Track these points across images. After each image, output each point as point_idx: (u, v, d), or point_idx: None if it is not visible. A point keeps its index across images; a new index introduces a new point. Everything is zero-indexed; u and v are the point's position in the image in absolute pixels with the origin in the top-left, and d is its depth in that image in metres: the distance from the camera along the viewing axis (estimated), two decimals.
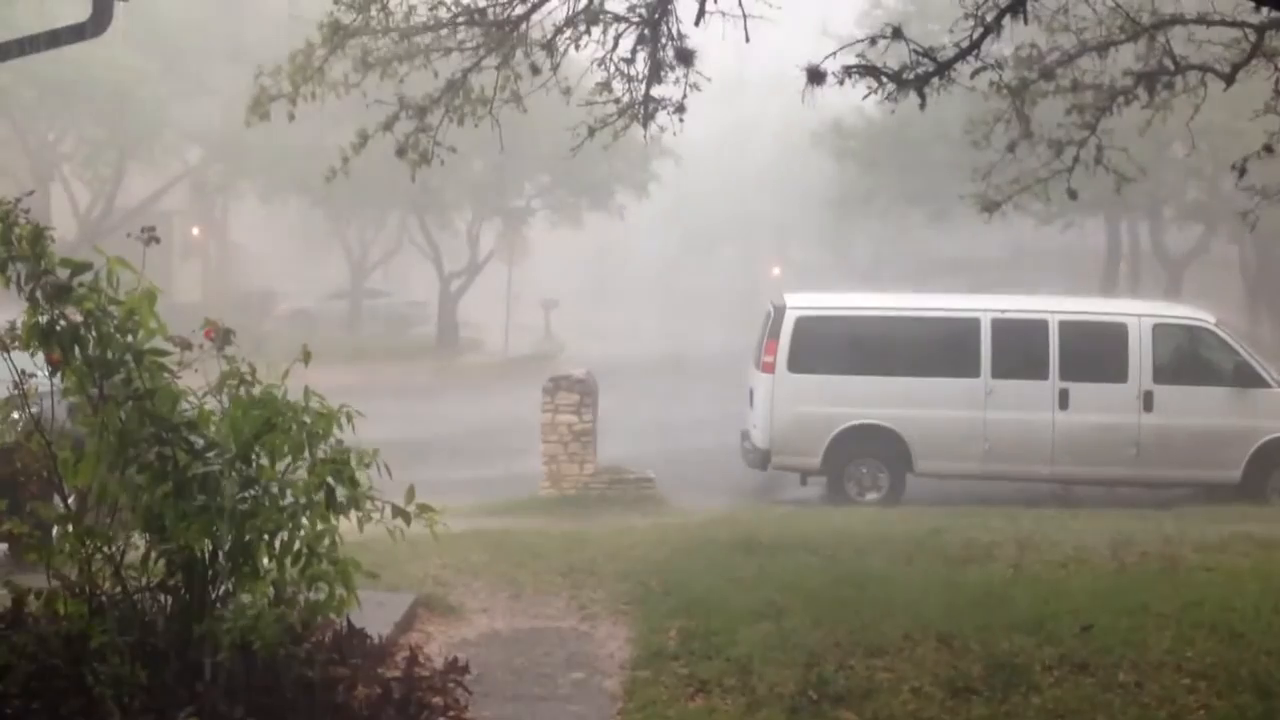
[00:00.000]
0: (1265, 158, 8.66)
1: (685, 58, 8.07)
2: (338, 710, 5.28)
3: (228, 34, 26.51)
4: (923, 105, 7.71)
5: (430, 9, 8.41)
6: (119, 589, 5.40)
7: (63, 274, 5.51)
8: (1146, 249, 31.32)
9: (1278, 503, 12.99)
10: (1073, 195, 9.57)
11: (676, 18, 8.10)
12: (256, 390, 5.50)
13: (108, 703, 4.79)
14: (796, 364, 13.56)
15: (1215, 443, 13.33)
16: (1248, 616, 7.41)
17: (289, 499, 5.50)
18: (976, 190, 10.19)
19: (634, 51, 8.16)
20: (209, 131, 29.76)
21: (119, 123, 28.77)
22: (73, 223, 29.68)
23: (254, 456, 5.44)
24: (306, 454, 5.43)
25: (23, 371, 5.80)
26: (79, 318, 5.48)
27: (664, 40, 8.10)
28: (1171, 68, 9.00)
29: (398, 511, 5.75)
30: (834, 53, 7.57)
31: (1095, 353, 13.56)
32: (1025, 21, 7.41)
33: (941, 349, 13.66)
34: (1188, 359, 13.78)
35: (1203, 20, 8.97)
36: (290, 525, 5.54)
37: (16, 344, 5.57)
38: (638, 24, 8.05)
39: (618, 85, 8.36)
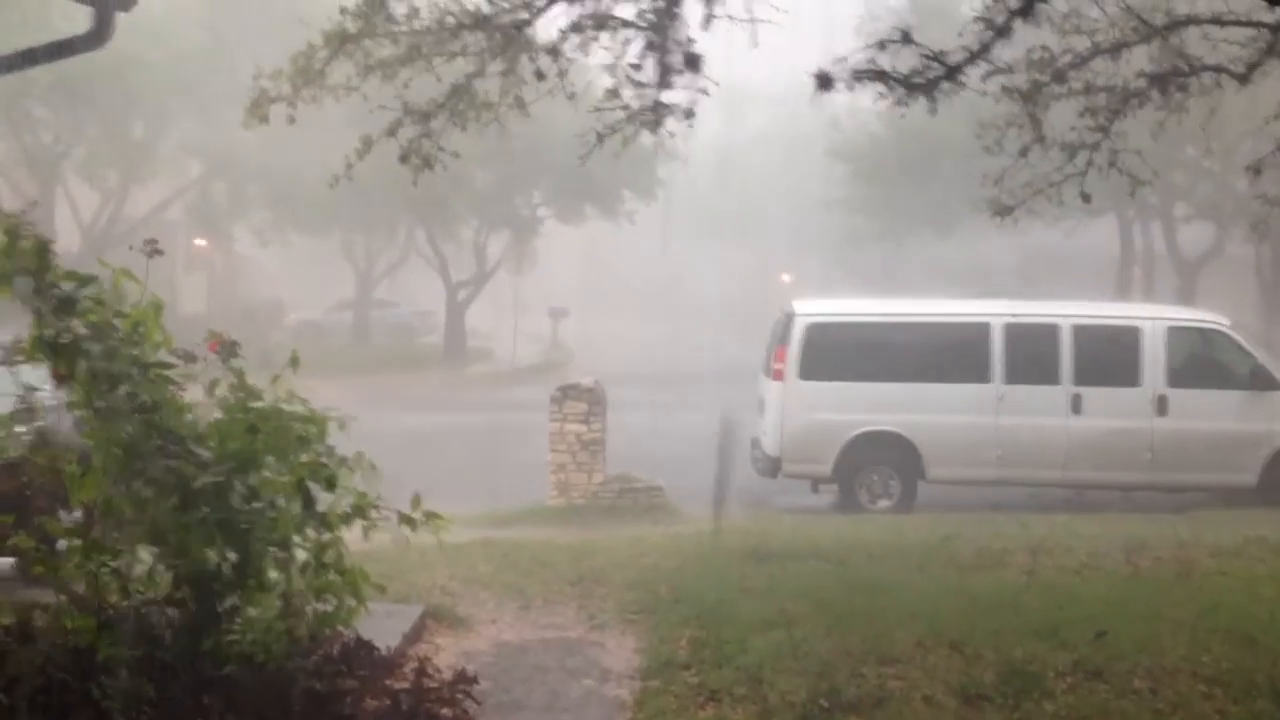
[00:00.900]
0: None
1: (694, 63, 8.04)
2: None
3: (232, 42, 26.56)
4: (933, 110, 7.67)
5: (434, 12, 8.36)
6: (126, 603, 5.38)
7: (67, 287, 5.51)
8: (1160, 251, 31.17)
9: None
10: (1086, 199, 9.51)
11: (684, 23, 8.07)
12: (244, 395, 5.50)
13: (115, 717, 4.77)
14: (807, 371, 13.52)
15: (1230, 446, 13.25)
16: (1263, 622, 7.34)
17: (294, 510, 5.48)
18: (988, 196, 10.13)
19: (642, 57, 8.13)
20: (214, 143, 29.82)
21: (124, 133, 28.89)
22: (77, 234, 29.79)
23: (260, 467, 5.43)
24: (292, 459, 5.40)
25: (28, 385, 5.81)
26: (84, 330, 5.47)
27: (672, 46, 8.07)
28: (1185, 69, 8.94)
29: (404, 519, 5.73)
30: (843, 58, 7.53)
31: (1108, 357, 13.49)
32: (1036, 24, 7.38)
33: (952, 355, 13.61)
34: (1202, 362, 13.70)
35: (1217, 20, 8.91)
36: (296, 536, 5.53)
37: (21, 358, 5.57)
38: (645, 29, 8.02)
39: (626, 91, 8.33)
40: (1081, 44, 9.05)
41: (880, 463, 13.56)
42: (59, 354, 5.45)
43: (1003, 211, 10.11)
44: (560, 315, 35.77)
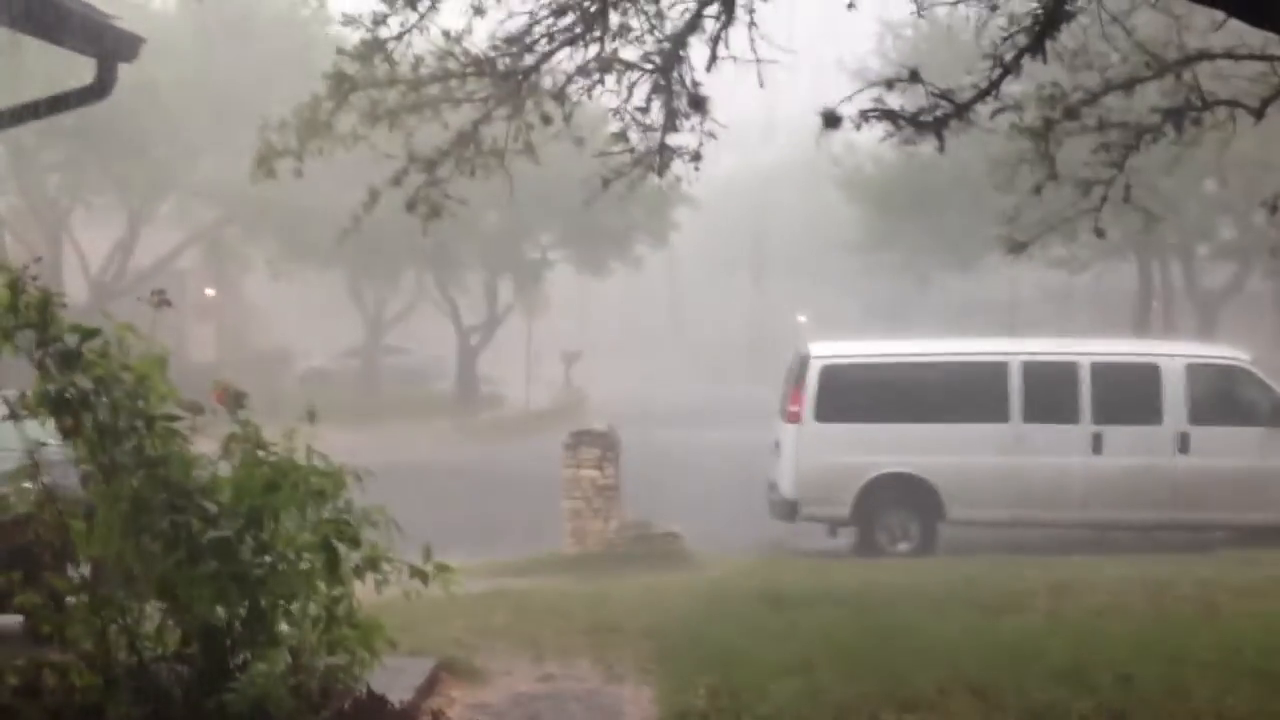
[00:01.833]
0: None
1: (700, 105, 8.04)
2: None
3: (239, 90, 26.79)
4: (941, 148, 7.63)
5: (439, 59, 8.39)
6: (135, 659, 5.31)
7: (71, 340, 5.48)
8: (1179, 288, 31.00)
9: None
10: (1100, 234, 9.44)
11: (690, 65, 8.08)
12: (263, 452, 5.46)
13: None
14: (822, 413, 13.42)
15: (1254, 484, 13.06)
16: None
17: (304, 563, 5.42)
18: (1002, 233, 10.07)
19: (648, 100, 8.13)
20: (222, 190, 30.03)
21: (131, 182, 29.07)
22: (84, 284, 29.93)
23: (269, 521, 5.38)
24: (311, 515, 5.34)
25: (34, 440, 5.77)
26: (89, 385, 5.44)
27: (678, 88, 8.07)
28: (1199, 103, 8.89)
29: (415, 572, 5.66)
30: (849, 96, 7.52)
31: (1128, 395, 13.35)
32: (1045, 61, 7.35)
33: (970, 394, 13.49)
34: (1223, 399, 13.54)
35: (1230, 55, 8.86)
36: (305, 590, 5.46)
37: (26, 412, 5.53)
38: (651, 72, 8.02)
39: (633, 134, 8.32)
40: (1093, 80, 9.01)
41: (899, 505, 13.42)
42: (64, 408, 5.43)
43: (1016, 248, 10.04)
44: (573, 359, 35.72)
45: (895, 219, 31.29)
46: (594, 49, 7.96)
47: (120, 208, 31.17)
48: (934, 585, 10.03)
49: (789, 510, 13.64)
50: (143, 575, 5.39)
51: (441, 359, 40.61)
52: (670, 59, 7.98)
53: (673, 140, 8.32)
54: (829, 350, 14.05)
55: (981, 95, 7.62)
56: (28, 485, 5.91)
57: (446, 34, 8.07)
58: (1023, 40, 7.25)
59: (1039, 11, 7.07)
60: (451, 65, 8.14)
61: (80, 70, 8.09)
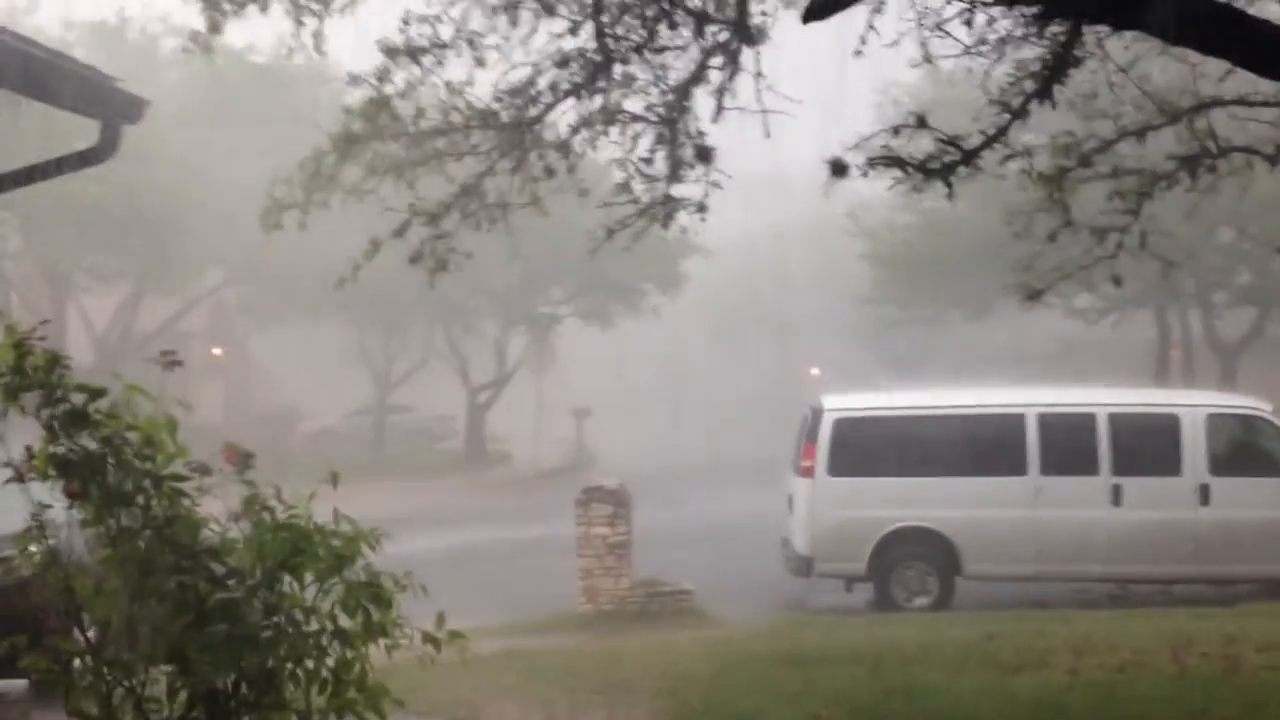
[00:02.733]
0: None
1: (705, 155, 8.04)
2: None
3: (243, 145, 26.99)
4: (950, 195, 7.60)
5: (442, 112, 8.39)
6: None
7: (78, 400, 5.45)
8: (1198, 336, 30.82)
9: None
10: (1117, 282, 9.38)
11: (695, 116, 8.07)
12: (281, 514, 5.39)
13: None
14: (836, 467, 13.30)
15: (1277, 536, 12.84)
16: None
17: (314, 625, 5.34)
18: (1018, 281, 10.01)
19: (653, 151, 8.12)
20: (224, 253, 30.17)
21: (136, 246, 29.22)
22: (89, 346, 30.00)
23: (278, 583, 5.30)
24: (337, 578, 5.26)
25: (40, 502, 5.71)
26: (95, 446, 5.40)
27: (683, 139, 8.06)
28: (1214, 150, 8.86)
29: (427, 638, 5.56)
30: (856, 145, 7.50)
31: (1147, 446, 13.19)
32: (1054, 107, 7.33)
33: (987, 446, 13.35)
34: (1245, 449, 13.38)
35: (1244, 102, 8.84)
36: (316, 653, 5.37)
37: (33, 474, 5.48)
38: (656, 123, 8.02)
39: (637, 185, 8.31)
40: (1106, 128, 8.99)
41: (915, 559, 13.24)
42: (70, 470, 5.38)
43: (1032, 296, 9.96)
44: (583, 415, 35.54)
45: (909, 274, 31.29)
46: (598, 100, 7.96)
47: (125, 271, 31.29)
48: (952, 642, 9.86)
49: (804, 566, 13.47)
50: (150, 638, 5.31)
51: (449, 417, 40.50)
52: (674, 109, 7.98)
53: (678, 191, 8.31)
54: (842, 403, 13.94)
55: (990, 141, 7.60)
56: (33, 549, 5.86)
57: (449, 85, 8.08)
58: (1031, 86, 7.24)
59: (1047, 58, 7.06)
60: (455, 118, 8.14)
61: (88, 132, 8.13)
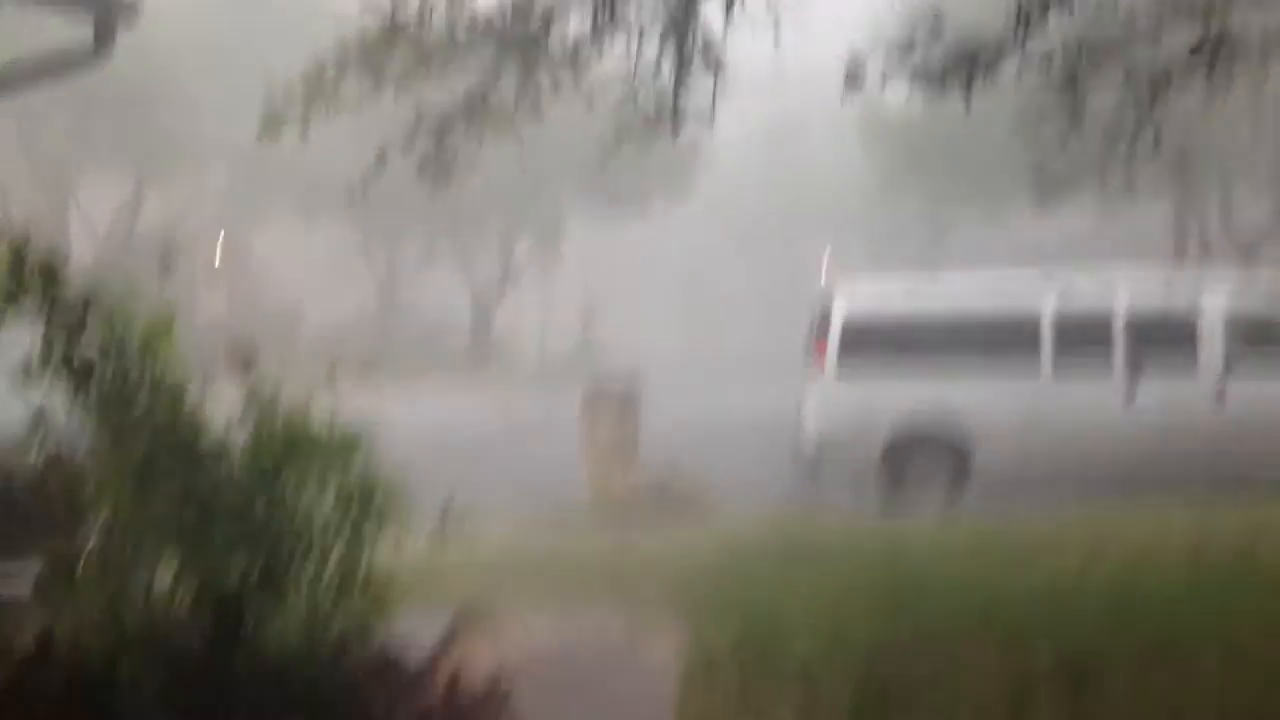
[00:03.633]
0: None
1: (714, 63, 7.86)
2: None
3: (242, 51, 26.59)
4: (967, 104, 7.45)
5: (446, 23, 8.21)
6: (147, 622, 5.25)
7: (76, 304, 5.41)
8: (1216, 231, 30.48)
9: None
10: (1130, 185, 9.18)
11: (702, 21, 7.88)
12: (280, 414, 5.37)
13: None
14: (847, 362, 13.20)
15: None
16: None
17: (318, 524, 5.35)
18: (1031, 181, 9.85)
19: (659, 58, 7.95)
20: (227, 151, 29.89)
21: (135, 145, 28.98)
22: (91, 246, 29.93)
23: (278, 482, 5.30)
24: (331, 478, 5.27)
25: (40, 406, 5.69)
26: (94, 349, 5.37)
27: (690, 45, 7.88)
28: (1230, 45, 8.61)
29: (434, 529, 5.59)
30: (871, 52, 7.35)
31: (1164, 339, 13.05)
32: (1072, 12, 7.14)
33: (1002, 341, 13.22)
34: (1265, 344, 13.22)
35: None
36: (319, 551, 5.39)
37: (32, 378, 5.47)
38: (663, 32, 7.83)
39: (644, 95, 8.16)
40: (1118, 29, 8.73)
41: (927, 454, 13.22)
42: (70, 374, 5.37)
43: (1045, 198, 9.82)
44: (591, 313, 35.47)
45: (919, 170, 30.94)
46: (605, 7, 7.77)
47: (126, 170, 31.04)
48: (964, 535, 9.90)
49: (814, 461, 13.48)
50: (154, 538, 5.33)
51: (455, 316, 40.49)
52: (683, 15, 7.78)
53: (686, 99, 8.15)
54: (854, 296, 13.80)
55: (1006, 48, 7.42)
56: (36, 449, 5.86)
57: None
58: None
59: None
60: (459, 28, 7.96)
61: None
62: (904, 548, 9.43)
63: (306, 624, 5.29)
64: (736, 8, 7.56)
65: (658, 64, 7.93)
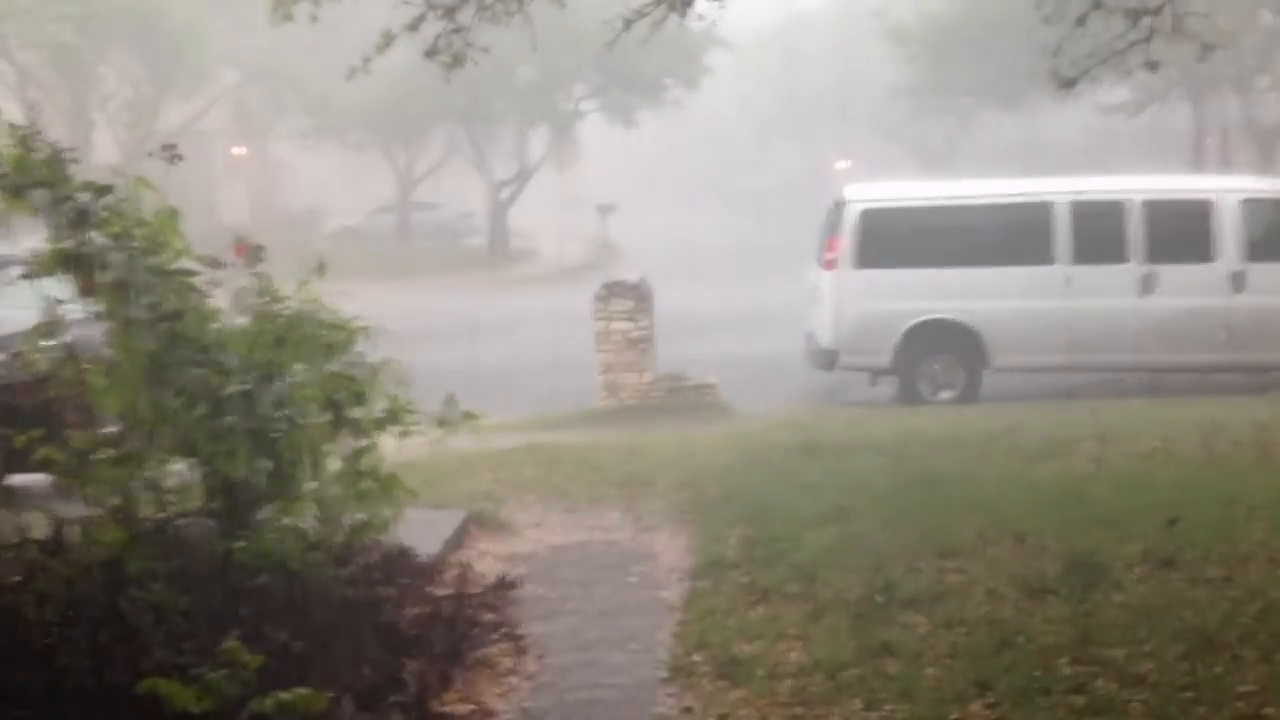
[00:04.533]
0: None
1: None
2: (385, 630, 5.15)
3: None
4: None
5: None
6: (159, 514, 5.28)
7: (84, 198, 5.35)
8: (1236, 124, 29.93)
9: None
10: (1152, 67, 8.94)
11: None
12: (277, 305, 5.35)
13: (146, 629, 4.67)
14: (862, 259, 13.07)
15: None
16: None
17: (319, 416, 5.33)
18: (1049, 67, 9.58)
19: None
20: (248, 47, 29.54)
21: (156, 45, 28.70)
22: (114, 149, 29.85)
23: (277, 374, 5.28)
24: (319, 369, 5.24)
25: (52, 298, 5.67)
26: (103, 241, 5.32)
27: None
28: None
29: (439, 421, 5.56)
30: None
31: (1180, 232, 12.86)
32: None
33: (1015, 236, 13.05)
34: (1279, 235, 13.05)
35: None
36: (325, 443, 5.39)
37: (43, 270, 5.43)
38: None
39: None
40: None
41: (941, 352, 13.13)
42: (79, 266, 5.33)
43: (1065, 84, 9.56)
44: (607, 211, 35.14)
45: (939, 61, 30.32)
46: None
47: (145, 68, 30.83)
48: (976, 433, 9.85)
49: (828, 360, 13.41)
50: (165, 431, 5.33)
51: (473, 214, 40.31)
52: None
53: None
54: (867, 194, 13.62)
55: None
56: (48, 342, 5.84)
57: None
58: None
59: None
60: None
61: None
62: (915, 444, 9.40)
63: (317, 516, 5.31)
64: None
65: None
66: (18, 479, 6.96)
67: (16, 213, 5.41)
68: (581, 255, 33.29)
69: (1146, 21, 8.88)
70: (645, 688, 4.92)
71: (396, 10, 8.27)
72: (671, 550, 6.90)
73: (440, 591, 5.63)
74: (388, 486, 5.39)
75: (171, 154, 5.83)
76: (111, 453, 5.30)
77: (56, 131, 5.60)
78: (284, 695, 4.23)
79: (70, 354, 5.81)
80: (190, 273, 5.45)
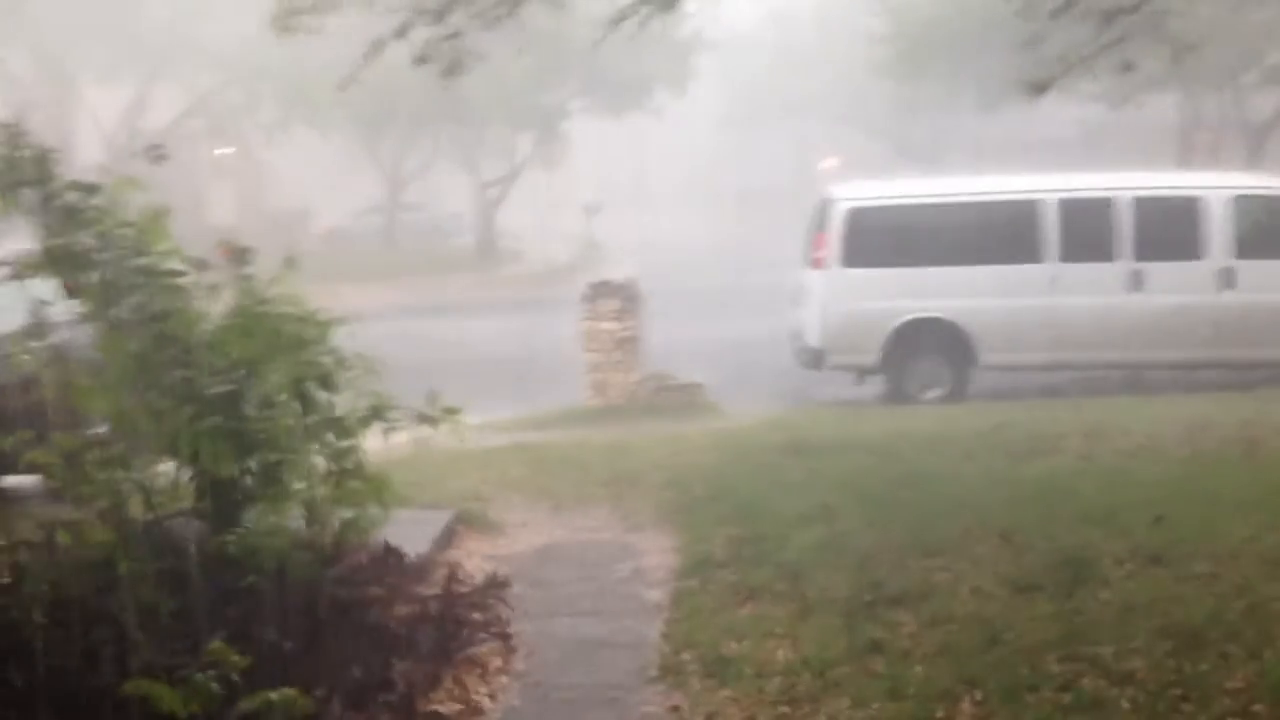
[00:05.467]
0: None
1: None
2: (374, 630, 5.17)
3: None
4: None
5: None
6: (149, 515, 5.27)
7: (71, 197, 5.35)
8: (1226, 120, 30.02)
9: None
10: (1128, 68, 8.99)
11: None
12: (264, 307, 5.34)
13: (135, 630, 4.67)
14: (849, 258, 13.08)
15: None
16: None
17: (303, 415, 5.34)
18: (1025, 69, 9.61)
19: None
20: (225, 52, 29.49)
21: (139, 42, 28.63)
22: (99, 145, 29.74)
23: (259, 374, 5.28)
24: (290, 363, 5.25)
25: (38, 299, 5.66)
26: (91, 241, 5.32)
27: None
28: None
29: (422, 418, 5.55)
30: None
31: (1169, 229, 12.89)
32: None
33: (1003, 234, 13.06)
34: (1270, 231, 13.05)
35: None
36: (317, 444, 5.38)
37: (29, 271, 5.42)
38: None
39: None
40: None
41: (928, 351, 13.15)
42: (67, 266, 5.32)
43: (1039, 88, 9.58)
44: (594, 210, 35.19)
45: (925, 56, 30.40)
46: None
47: (130, 69, 30.75)
48: (963, 431, 9.88)
49: (815, 359, 13.43)
50: (153, 432, 5.32)
51: (460, 215, 40.34)
52: None
53: None
54: (854, 192, 13.64)
55: None
56: (35, 344, 5.83)
57: None
58: None
59: None
60: None
61: None
62: (901, 443, 9.42)
63: (305, 515, 5.32)
64: None
65: None
66: (7, 480, 6.95)
67: (4, 212, 5.40)
68: (568, 256, 33.31)
69: (1122, 21, 8.93)
70: (633, 687, 4.94)
71: (384, 12, 8.28)
72: (659, 549, 6.92)
73: (429, 591, 5.64)
74: (375, 487, 5.39)
75: (156, 154, 5.83)
76: (100, 454, 5.29)
77: (41, 130, 5.57)
78: (272, 695, 4.24)
79: (58, 355, 5.81)
80: (178, 273, 5.44)
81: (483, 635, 5.40)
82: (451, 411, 5.26)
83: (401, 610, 5.36)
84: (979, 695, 4.64)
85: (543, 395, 12.93)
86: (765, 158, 50.53)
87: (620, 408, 12.37)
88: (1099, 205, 12.96)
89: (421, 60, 8.29)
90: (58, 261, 5.34)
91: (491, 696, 4.90)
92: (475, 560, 6.65)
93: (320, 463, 5.31)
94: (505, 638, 5.42)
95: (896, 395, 13.05)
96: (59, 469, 5.32)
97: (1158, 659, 4.88)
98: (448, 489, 7.97)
